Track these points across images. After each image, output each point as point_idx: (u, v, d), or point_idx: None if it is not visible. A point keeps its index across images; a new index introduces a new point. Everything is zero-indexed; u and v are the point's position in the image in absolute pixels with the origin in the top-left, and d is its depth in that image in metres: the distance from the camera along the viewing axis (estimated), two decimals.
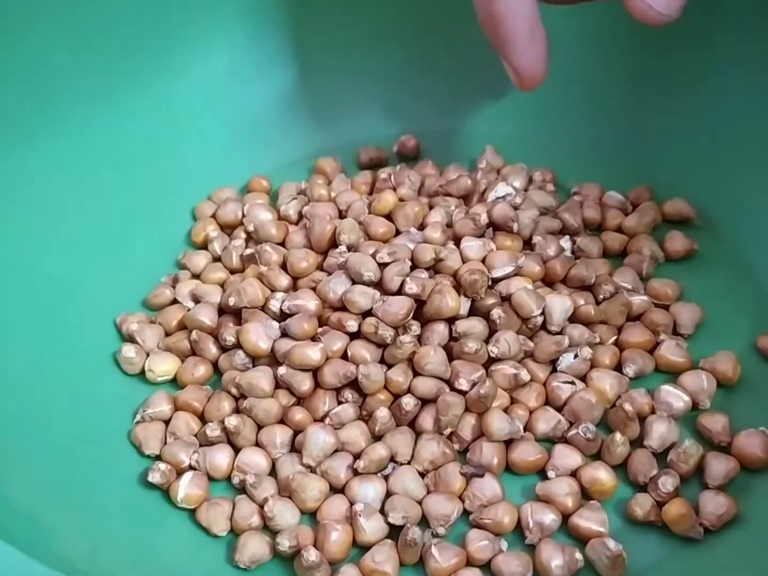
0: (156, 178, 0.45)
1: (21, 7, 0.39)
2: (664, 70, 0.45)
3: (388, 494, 0.34)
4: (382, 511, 0.33)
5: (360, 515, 0.32)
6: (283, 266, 0.40)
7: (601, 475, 0.34)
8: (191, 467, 0.36)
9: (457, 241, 0.39)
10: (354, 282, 0.38)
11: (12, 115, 0.40)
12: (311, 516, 0.34)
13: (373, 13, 0.47)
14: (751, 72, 0.42)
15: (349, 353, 0.36)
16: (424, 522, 0.33)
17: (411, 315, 0.36)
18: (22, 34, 0.39)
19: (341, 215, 0.43)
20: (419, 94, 0.48)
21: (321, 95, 0.49)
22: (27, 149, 0.40)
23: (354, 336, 0.37)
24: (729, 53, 0.43)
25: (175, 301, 0.41)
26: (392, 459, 0.35)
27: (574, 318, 0.38)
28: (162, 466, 0.35)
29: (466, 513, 0.34)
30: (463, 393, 0.35)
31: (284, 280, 0.39)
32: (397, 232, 0.41)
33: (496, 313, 0.36)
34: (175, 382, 0.39)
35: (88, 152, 0.43)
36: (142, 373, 0.39)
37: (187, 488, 0.34)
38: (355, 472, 0.34)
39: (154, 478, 0.35)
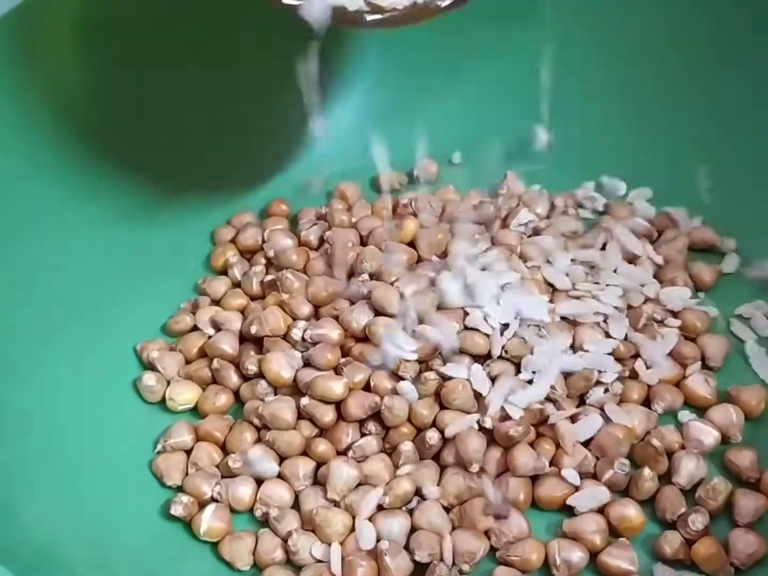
0: (175, 202, 0.45)
1: None
2: (687, 95, 0.45)
3: (413, 529, 0.34)
4: (407, 547, 0.33)
5: (386, 554, 0.32)
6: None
7: (630, 512, 0.33)
8: (213, 499, 0.35)
9: None
10: (377, 313, 0.37)
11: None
12: None
13: (392, 40, 0.47)
14: None
15: (372, 384, 0.36)
16: None
17: (437, 351, 0.36)
18: None
19: (362, 241, 0.42)
20: (439, 118, 0.48)
21: (340, 119, 0.48)
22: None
23: (377, 366, 0.37)
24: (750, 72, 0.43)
25: (195, 328, 0.41)
26: (417, 493, 0.34)
27: None
28: (184, 498, 0.35)
29: (492, 549, 0.33)
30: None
31: (306, 308, 0.39)
32: (419, 259, 0.40)
33: None
34: (196, 411, 0.39)
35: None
36: (163, 401, 0.39)
37: (209, 521, 0.34)
38: (380, 507, 0.34)
39: (177, 510, 0.34)
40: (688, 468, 0.34)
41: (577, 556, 0.32)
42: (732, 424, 0.36)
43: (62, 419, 0.37)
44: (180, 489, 0.36)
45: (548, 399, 0.35)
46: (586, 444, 0.35)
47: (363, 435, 0.36)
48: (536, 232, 0.42)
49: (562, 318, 0.37)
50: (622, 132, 0.45)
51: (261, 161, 0.47)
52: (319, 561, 0.33)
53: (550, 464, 0.35)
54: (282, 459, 0.36)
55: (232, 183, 0.46)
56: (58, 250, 0.40)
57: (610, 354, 0.36)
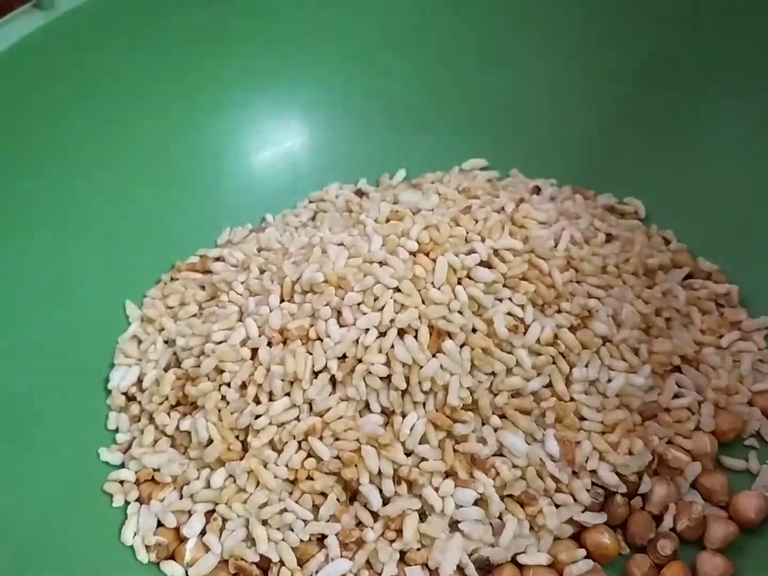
0: (137, 235, 0.44)
1: None
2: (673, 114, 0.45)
3: None
4: None
5: None
6: None
7: (605, 539, 0.34)
8: None
9: None
10: None
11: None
12: None
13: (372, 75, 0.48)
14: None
15: None
16: None
17: None
18: None
19: None
20: (413, 150, 0.48)
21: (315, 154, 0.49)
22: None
23: None
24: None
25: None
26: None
27: None
28: (154, 539, 0.35)
29: None
30: None
31: None
32: None
33: None
34: None
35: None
36: None
37: (193, 551, 0.35)
38: None
39: (151, 557, 0.35)
40: (660, 495, 0.35)
41: None
42: (705, 454, 0.36)
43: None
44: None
45: None
46: None
47: None
48: None
49: None
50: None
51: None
52: None
53: None
54: None
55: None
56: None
57: None
